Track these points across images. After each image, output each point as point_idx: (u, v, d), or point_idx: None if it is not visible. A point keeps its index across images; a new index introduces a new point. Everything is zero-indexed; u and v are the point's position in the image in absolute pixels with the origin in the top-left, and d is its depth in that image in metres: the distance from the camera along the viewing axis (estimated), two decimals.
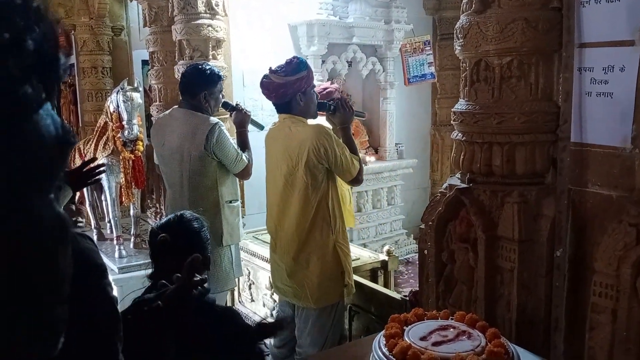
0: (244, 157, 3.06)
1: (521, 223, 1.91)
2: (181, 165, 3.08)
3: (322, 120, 2.88)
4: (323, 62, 5.20)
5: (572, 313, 1.90)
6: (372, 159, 5.67)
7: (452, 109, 2.19)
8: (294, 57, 2.75)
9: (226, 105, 3.26)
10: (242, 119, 3.18)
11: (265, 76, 2.69)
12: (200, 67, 3.18)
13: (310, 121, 2.73)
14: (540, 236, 1.93)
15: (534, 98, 1.97)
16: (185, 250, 1.65)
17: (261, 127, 3.30)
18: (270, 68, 2.69)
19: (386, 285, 3.15)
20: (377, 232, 5.63)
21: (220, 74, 3.17)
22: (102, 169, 2.36)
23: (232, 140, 3.05)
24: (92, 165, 2.34)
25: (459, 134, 2.15)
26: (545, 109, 1.97)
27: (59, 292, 0.34)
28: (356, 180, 2.73)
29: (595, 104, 1.83)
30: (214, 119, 3.01)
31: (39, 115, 0.32)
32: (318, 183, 2.62)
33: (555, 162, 1.98)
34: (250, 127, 3.25)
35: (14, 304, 0.30)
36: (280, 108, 2.73)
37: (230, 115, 3.22)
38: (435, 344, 1.52)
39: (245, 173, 3.13)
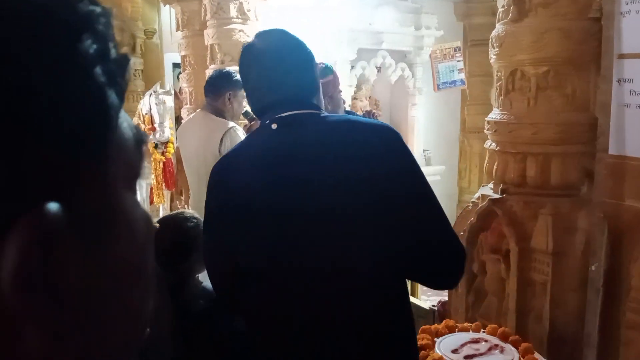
0: None
1: (555, 235, 1.88)
2: (198, 167, 3.11)
3: None
4: (352, 67, 5.19)
5: (604, 328, 1.86)
6: None
7: (486, 118, 2.16)
8: (320, 63, 2.76)
9: (247, 114, 3.27)
10: None
11: None
12: (225, 70, 3.24)
13: None
14: (575, 249, 1.90)
15: (570, 109, 1.94)
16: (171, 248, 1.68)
17: None
18: None
19: (413, 293, 3.12)
20: None
21: None
22: None
23: None
24: None
25: (493, 144, 2.13)
26: (581, 120, 1.94)
27: (150, 288, 0.36)
28: None
29: (634, 116, 1.79)
30: (230, 123, 3.01)
31: (119, 120, 0.33)
32: None
33: (590, 174, 1.94)
34: None
35: (112, 302, 0.31)
36: None
37: (245, 126, 3.20)
38: (467, 357, 1.50)
39: None
